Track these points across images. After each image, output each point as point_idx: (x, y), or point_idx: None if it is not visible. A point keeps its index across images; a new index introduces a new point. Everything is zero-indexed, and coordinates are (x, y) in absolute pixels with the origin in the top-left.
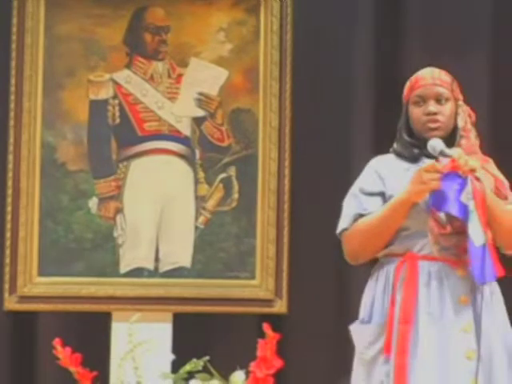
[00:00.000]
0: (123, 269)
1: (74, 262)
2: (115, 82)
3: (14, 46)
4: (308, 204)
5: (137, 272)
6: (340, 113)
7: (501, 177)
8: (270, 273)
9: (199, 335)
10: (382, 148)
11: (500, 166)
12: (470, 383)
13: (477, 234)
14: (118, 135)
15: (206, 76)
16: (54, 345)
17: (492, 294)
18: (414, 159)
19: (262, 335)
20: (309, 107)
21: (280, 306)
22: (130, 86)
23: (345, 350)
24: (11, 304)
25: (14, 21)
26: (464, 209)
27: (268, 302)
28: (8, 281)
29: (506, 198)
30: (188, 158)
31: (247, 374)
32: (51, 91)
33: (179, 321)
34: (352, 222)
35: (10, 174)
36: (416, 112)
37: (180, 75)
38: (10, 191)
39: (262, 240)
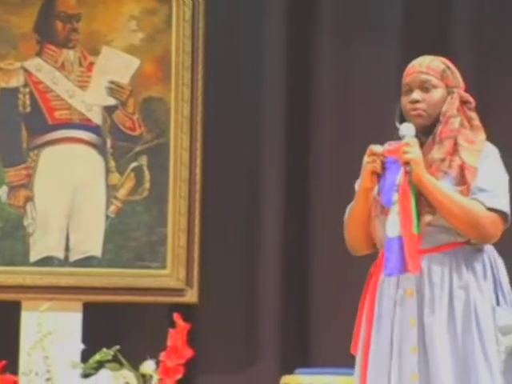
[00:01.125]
0: (33, 257)
1: None
2: (26, 70)
3: None
4: (219, 194)
5: (47, 261)
6: (252, 102)
7: (473, 163)
8: (181, 262)
9: (109, 325)
10: (292, 134)
11: None
12: (410, 378)
13: (392, 225)
14: (28, 123)
15: (117, 64)
16: None
17: (461, 288)
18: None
19: (173, 325)
20: (221, 97)
21: (191, 296)
22: (40, 74)
23: (255, 339)
24: None
25: None
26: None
27: (179, 291)
28: None
29: (467, 186)
30: (99, 147)
31: (158, 363)
32: None
33: (89, 310)
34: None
35: None
36: (404, 100)
37: (91, 63)
38: None
39: (174, 229)
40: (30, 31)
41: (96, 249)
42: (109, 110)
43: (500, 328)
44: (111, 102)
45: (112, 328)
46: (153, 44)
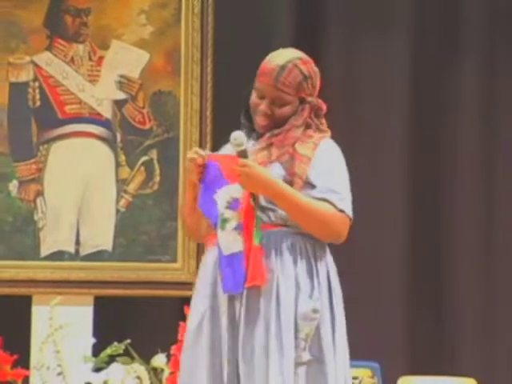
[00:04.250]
0: (44, 252)
1: None
2: (36, 65)
3: None
4: None
5: (57, 255)
6: None
7: (306, 153)
8: (192, 255)
9: (120, 319)
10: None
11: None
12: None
13: (228, 242)
14: (38, 118)
15: (127, 58)
16: None
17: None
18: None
19: (184, 318)
20: (230, 90)
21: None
22: (50, 68)
23: None
24: None
25: None
26: (215, 211)
27: (189, 284)
28: None
29: (297, 175)
30: (109, 141)
31: (169, 357)
32: None
33: (100, 304)
34: None
35: None
36: (254, 101)
37: (101, 58)
38: None
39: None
40: (39, 25)
41: (107, 243)
42: (119, 104)
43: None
44: (121, 95)
45: (123, 322)
46: (162, 38)
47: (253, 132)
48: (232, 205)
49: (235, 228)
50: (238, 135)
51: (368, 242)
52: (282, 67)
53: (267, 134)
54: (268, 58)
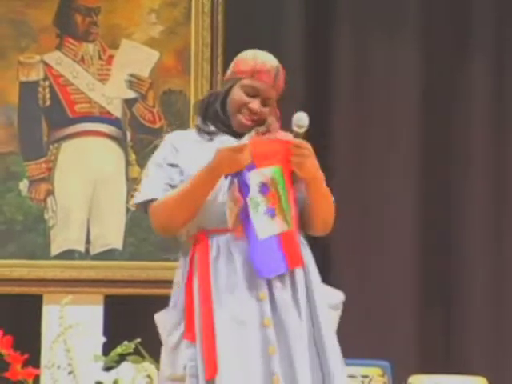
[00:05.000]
0: (54, 251)
1: (4, 244)
2: (46, 64)
3: None
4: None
5: (68, 254)
6: None
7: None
8: None
9: (131, 317)
10: (314, 127)
11: (428, 145)
12: (268, 351)
13: (263, 225)
14: (48, 117)
15: (137, 57)
16: None
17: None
18: (212, 133)
19: None
20: None
21: None
22: (60, 67)
23: None
24: None
25: None
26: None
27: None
28: None
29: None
30: (119, 140)
31: None
32: None
33: (110, 303)
34: (162, 192)
35: None
36: (241, 98)
37: (111, 57)
38: None
39: None
40: (49, 24)
41: (117, 242)
42: (129, 103)
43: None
44: (131, 94)
45: (133, 321)
46: (172, 37)
47: (218, 131)
48: (262, 189)
49: (265, 212)
50: (302, 116)
51: (379, 241)
52: (277, 69)
53: (252, 132)
54: (257, 57)
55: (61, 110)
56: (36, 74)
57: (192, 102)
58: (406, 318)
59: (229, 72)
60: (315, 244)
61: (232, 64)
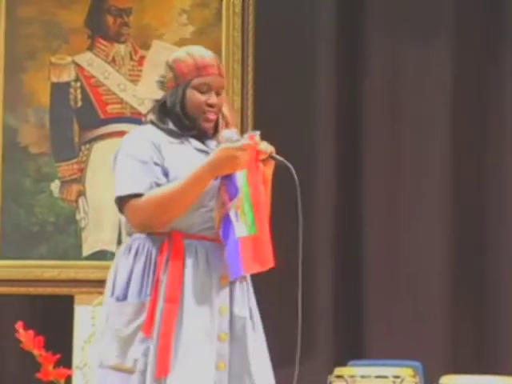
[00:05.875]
0: (86, 252)
1: (36, 245)
2: (77, 65)
3: None
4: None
5: (99, 255)
6: (303, 94)
7: None
8: None
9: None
10: (343, 123)
11: (455, 144)
12: (218, 366)
13: (238, 229)
14: (80, 118)
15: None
16: (16, 328)
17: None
18: (180, 136)
19: None
20: (271, 89)
21: None
22: (92, 68)
23: (308, 331)
24: None
25: None
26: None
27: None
28: None
29: None
30: None
31: None
32: (13, 74)
33: None
34: (147, 189)
35: None
36: (198, 98)
37: (142, 57)
38: None
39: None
40: (81, 26)
41: None
42: None
43: None
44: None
45: None
46: (203, 37)
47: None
48: (237, 192)
49: (235, 215)
50: (226, 134)
51: (411, 243)
52: (215, 57)
53: (251, 132)
54: (193, 54)
55: (92, 111)
56: (67, 75)
57: None
58: (438, 318)
59: (170, 78)
60: (348, 250)
61: (169, 70)
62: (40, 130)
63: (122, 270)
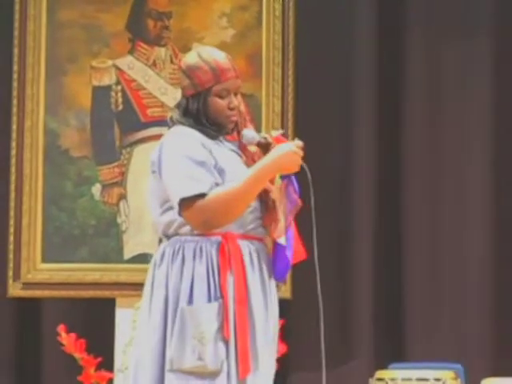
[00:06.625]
0: (127, 255)
1: (77, 248)
2: (118, 68)
3: (16, 32)
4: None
5: (141, 258)
6: (342, 97)
7: None
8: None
9: None
10: (383, 125)
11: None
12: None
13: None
14: (121, 121)
15: None
16: (58, 331)
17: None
18: (215, 137)
19: None
20: (311, 92)
21: (284, 291)
22: (132, 72)
23: (349, 334)
24: (15, 290)
25: (17, 7)
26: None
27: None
28: (12, 267)
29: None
30: None
31: None
32: (54, 77)
33: None
34: (210, 189)
35: (13, 161)
36: (221, 104)
37: None
38: (13, 178)
39: None
40: (122, 29)
41: None
42: None
43: None
44: None
45: None
46: (243, 40)
47: (215, 137)
48: None
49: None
50: (246, 134)
51: (452, 244)
52: (227, 57)
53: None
54: (207, 60)
55: (133, 115)
56: (108, 79)
57: (263, 105)
58: (479, 320)
59: (187, 85)
60: (388, 252)
61: (185, 77)
62: (81, 133)
63: (181, 274)
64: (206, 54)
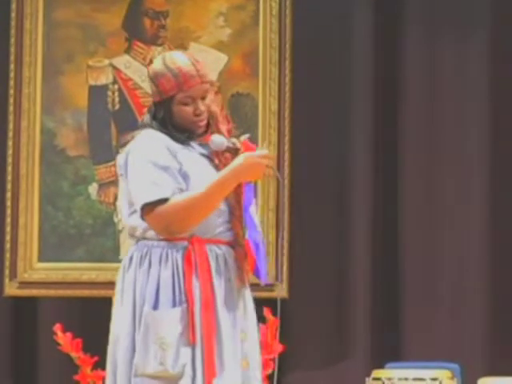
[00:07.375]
0: (123, 254)
1: (74, 247)
2: (114, 68)
3: (12, 31)
4: (307, 190)
5: None
6: (339, 97)
7: None
8: (271, 257)
9: None
10: (381, 126)
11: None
12: (242, 365)
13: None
14: (117, 120)
15: (205, 61)
16: (54, 330)
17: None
18: (183, 141)
19: (263, 320)
20: (308, 92)
21: (280, 291)
22: (129, 71)
23: (345, 333)
24: (11, 290)
25: (13, 6)
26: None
27: (268, 286)
28: (8, 266)
29: None
30: None
31: None
32: (51, 77)
33: None
34: (172, 194)
35: (10, 160)
36: (186, 111)
37: None
38: (9, 177)
39: (262, 225)
40: (118, 28)
41: None
42: None
43: None
44: None
45: None
46: (240, 40)
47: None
48: None
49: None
50: (221, 139)
51: (449, 243)
52: (193, 62)
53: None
54: (170, 67)
55: (130, 114)
56: (105, 78)
57: (260, 105)
58: (476, 320)
59: (154, 91)
60: (385, 251)
61: (152, 83)
62: (78, 132)
63: (147, 279)
64: (171, 60)
